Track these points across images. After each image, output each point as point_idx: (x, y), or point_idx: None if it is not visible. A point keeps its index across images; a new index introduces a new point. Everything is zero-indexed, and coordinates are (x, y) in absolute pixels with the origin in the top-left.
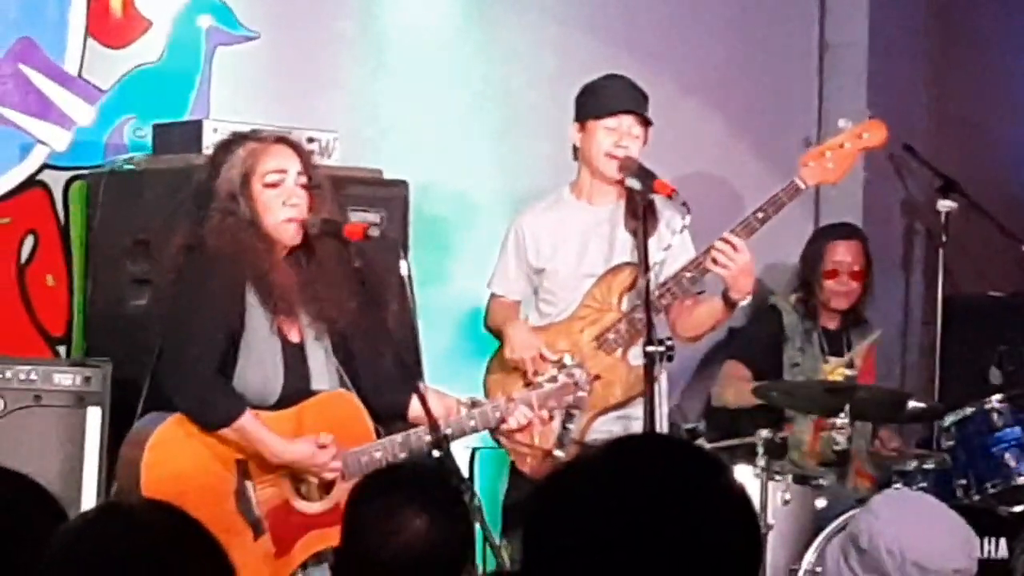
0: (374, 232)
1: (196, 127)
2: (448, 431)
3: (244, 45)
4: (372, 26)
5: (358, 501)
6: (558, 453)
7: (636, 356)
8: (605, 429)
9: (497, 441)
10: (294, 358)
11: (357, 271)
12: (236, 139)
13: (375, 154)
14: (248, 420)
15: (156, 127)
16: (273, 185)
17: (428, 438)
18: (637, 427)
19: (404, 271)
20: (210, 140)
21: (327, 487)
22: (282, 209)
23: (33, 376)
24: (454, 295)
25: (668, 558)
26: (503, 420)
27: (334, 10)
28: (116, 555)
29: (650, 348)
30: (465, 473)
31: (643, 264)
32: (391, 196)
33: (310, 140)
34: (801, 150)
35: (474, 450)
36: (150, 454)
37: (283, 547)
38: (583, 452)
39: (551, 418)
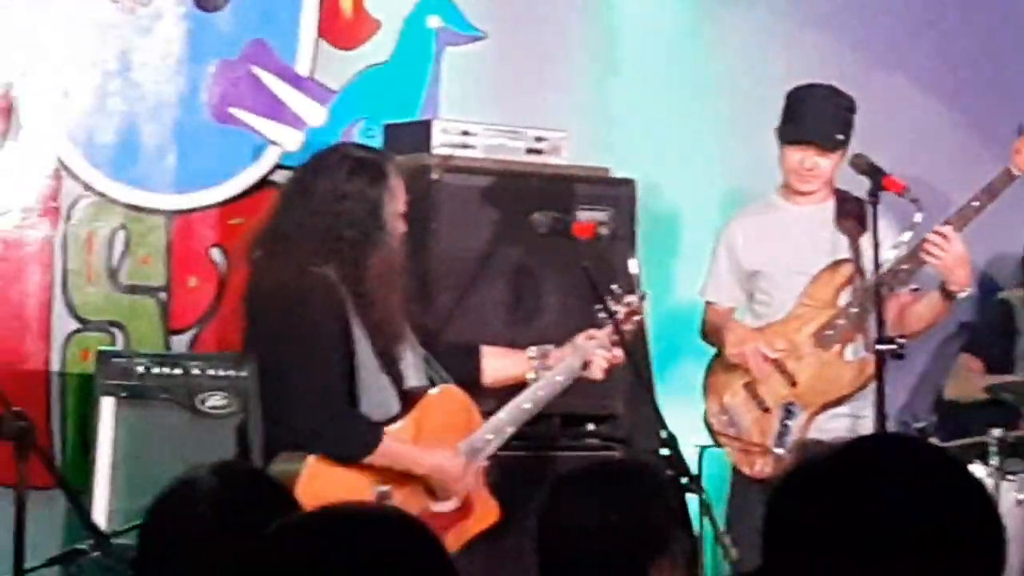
0: (603, 230)
1: (426, 127)
2: (541, 393)
3: (473, 45)
4: (600, 25)
5: (551, 493)
6: (777, 451)
7: (852, 352)
8: (829, 427)
9: (717, 443)
10: (393, 370)
11: (584, 270)
12: (380, 163)
13: (603, 153)
14: (389, 441)
15: (386, 127)
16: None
17: (527, 405)
18: (864, 425)
19: (633, 269)
20: (440, 140)
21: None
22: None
23: None
24: (681, 293)
25: (911, 560)
26: (586, 365)
27: (562, 9)
28: (345, 554)
29: (880, 347)
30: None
31: (873, 262)
32: (618, 194)
33: (538, 139)
34: None
35: (702, 448)
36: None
37: None
38: (820, 452)
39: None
